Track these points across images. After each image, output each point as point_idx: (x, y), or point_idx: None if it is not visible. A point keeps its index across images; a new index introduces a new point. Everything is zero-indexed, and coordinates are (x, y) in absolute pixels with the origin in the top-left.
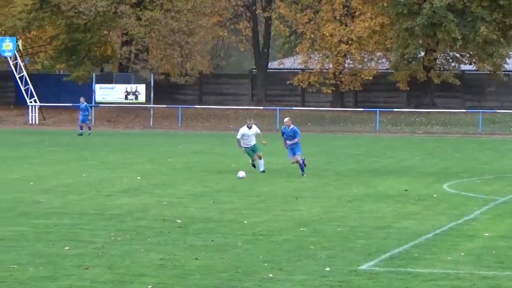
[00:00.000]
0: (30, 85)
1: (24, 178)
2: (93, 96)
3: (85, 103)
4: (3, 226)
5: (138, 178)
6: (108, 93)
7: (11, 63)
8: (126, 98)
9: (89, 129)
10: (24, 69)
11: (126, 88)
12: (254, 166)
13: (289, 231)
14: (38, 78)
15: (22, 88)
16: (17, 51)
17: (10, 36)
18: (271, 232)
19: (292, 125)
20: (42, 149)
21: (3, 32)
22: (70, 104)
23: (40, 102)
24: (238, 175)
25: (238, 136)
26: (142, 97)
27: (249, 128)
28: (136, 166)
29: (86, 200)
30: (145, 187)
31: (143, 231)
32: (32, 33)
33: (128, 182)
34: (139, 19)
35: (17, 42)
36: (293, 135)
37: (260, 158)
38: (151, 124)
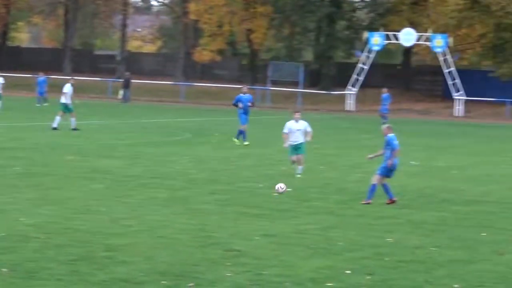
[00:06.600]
0: (457, 80)
1: (448, 166)
2: None
3: None
4: (426, 211)
5: None
6: None
7: (441, 58)
8: None
9: None
10: (453, 64)
11: None
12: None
13: None
14: (464, 74)
15: (449, 82)
16: (447, 48)
17: (442, 33)
18: None
19: None
20: (465, 141)
21: (435, 29)
22: (494, 99)
23: (465, 96)
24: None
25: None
26: None
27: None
28: None
29: (507, 190)
30: None
31: None
32: (462, 30)
33: None
34: None
35: (447, 39)
36: None
37: None
38: None
